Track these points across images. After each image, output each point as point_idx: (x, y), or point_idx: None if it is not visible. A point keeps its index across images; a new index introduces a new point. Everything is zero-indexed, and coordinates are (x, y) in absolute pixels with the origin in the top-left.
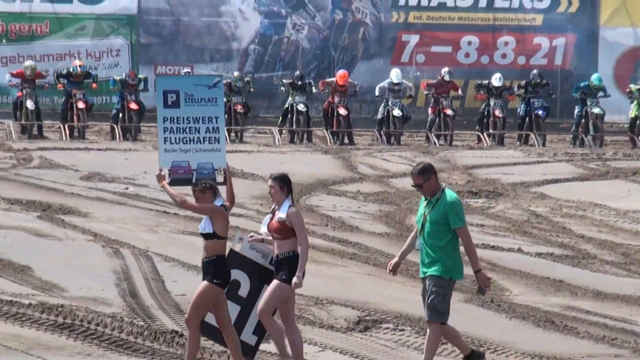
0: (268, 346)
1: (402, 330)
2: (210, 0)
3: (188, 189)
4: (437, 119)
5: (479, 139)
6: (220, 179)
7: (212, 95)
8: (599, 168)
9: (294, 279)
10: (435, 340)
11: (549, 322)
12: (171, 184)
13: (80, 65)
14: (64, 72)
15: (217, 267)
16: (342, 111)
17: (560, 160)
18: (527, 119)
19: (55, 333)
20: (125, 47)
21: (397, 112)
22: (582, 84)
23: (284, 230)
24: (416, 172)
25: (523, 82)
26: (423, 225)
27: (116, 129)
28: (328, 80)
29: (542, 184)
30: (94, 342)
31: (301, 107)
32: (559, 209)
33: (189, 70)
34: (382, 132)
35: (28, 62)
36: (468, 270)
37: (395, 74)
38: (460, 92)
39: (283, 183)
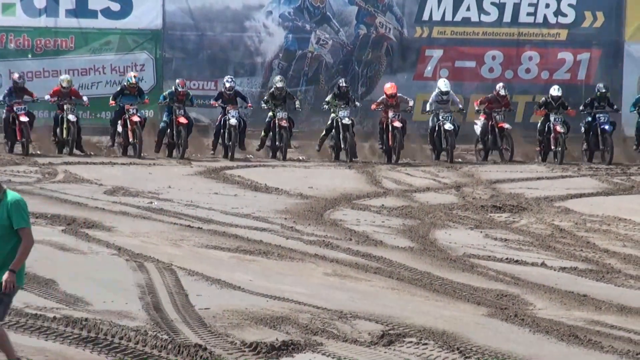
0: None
1: (426, 344)
2: (234, 15)
3: None
4: (491, 134)
5: (543, 157)
6: None
7: None
8: (624, 183)
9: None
10: None
11: (572, 337)
12: None
13: (135, 76)
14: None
15: None
16: (397, 124)
17: (585, 174)
18: (591, 134)
19: (80, 347)
20: (150, 62)
21: (448, 125)
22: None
23: None
24: None
25: (588, 99)
26: None
27: (162, 144)
28: (379, 100)
29: (566, 198)
30: (117, 356)
31: (346, 120)
32: (583, 224)
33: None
34: (434, 149)
35: (63, 76)
36: (490, 285)
37: (443, 83)
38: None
39: None
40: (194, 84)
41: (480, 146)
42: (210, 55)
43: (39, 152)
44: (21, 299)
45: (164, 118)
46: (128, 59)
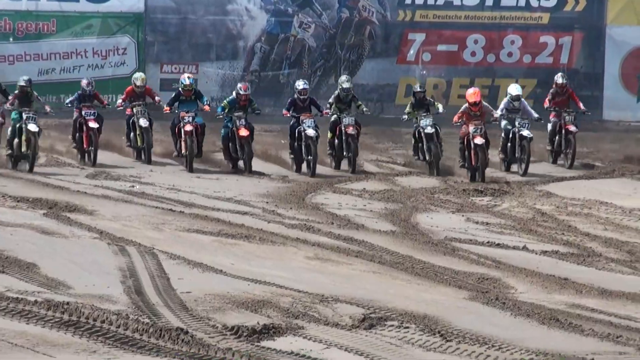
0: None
1: (407, 327)
2: None
3: None
4: (558, 136)
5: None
6: None
7: None
8: (605, 166)
9: None
10: None
11: (553, 320)
12: None
13: (189, 77)
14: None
15: None
16: (479, 140)
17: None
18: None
19: (61, 330)
20: (132, 46)
21: (526, 132)
22: None
23: None
24: None
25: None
26: None
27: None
28: (461, 110)
29: (548, 182)
30: (99, 339)
31: (429, 129)
32: (564, 207)
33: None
34: (504, 158)
35: (138, 74)
36: (471, 268)
37: (514, 88)
38: (581, 105)
39: None
40: (175, 68)
41: (549, 147)
42: (192, 39)
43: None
44: (2, 283)
45: (224, 127)
46: (110, 43)
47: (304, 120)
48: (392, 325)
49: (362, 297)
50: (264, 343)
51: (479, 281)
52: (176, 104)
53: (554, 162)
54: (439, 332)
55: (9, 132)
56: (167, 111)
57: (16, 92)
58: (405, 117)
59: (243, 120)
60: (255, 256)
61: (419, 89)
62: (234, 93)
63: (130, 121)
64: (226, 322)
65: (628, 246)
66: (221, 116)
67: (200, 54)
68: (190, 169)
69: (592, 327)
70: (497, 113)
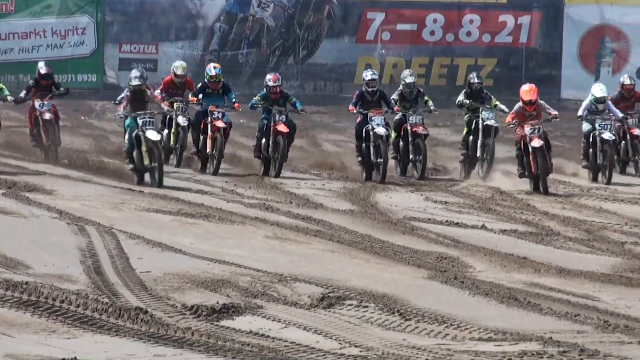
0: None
1: (366, 306)
2: None
3: None
4: (623, 142)
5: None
6: None
7: None
8: (563, 145)
9: None
10: None
11: (512, 299)
12: None
13: (215, 67)
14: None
15: None
16: (537, 142)
17: None
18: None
19: (20, 310)
20: (90, 26)
21: (607, 135)
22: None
23: None
24: None
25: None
26: None
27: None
28: (514, 110)
29: (506, 161)
30: (58, 319)
31: (492, 122)
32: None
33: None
34: (589, 166)
35: (178, 62)
36: (430, 247)
37: (599, 89)
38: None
39: None
40: (135, 48)
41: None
42: (151, 19)
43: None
44: None
45: (261, 119)
46: (69, 23)
47: (373, 117)
48: (351, 305)
49: (321, 277)
50: (223, 322)
51: (437, 260)
52: (200, 96)
53: (622, 172)
54: (398, 311)
55: (125, 140)
56: (194, 102)
57: (127, 93)
58: (466, 101)
59: (284, 116)
60: (215, 235)
61: (476, 80)
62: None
63: (167, 118)
64: (185, 301)
65: (586, 225)
66: (259, 106)
67: (159, 34)
68: (216, 171)
69: (550, 306)
70: (578, 114)
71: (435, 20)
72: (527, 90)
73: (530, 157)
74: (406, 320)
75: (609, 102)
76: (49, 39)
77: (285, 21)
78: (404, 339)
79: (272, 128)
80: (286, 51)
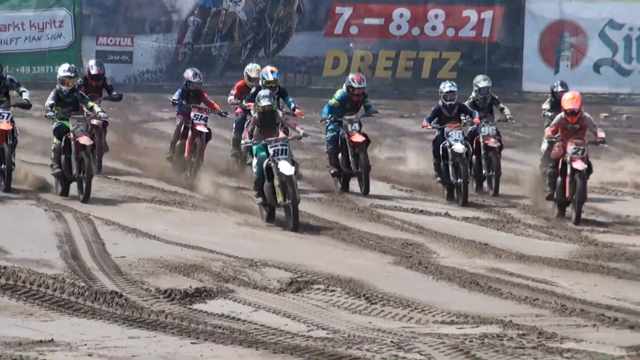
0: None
1: (333, 291)
2: None
3: None
4: None
5: None
6: None
7: None
8: (524, 135)
9: None
10: None
11: (474, 284)
12: None
13: (272, 71)
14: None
15: None
16: (579, 165)
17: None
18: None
19: None
20: (68, 19)
21: None
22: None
23: None
24: None
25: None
26: None
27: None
28: (554, 122)
29: None
30: (36, 302)
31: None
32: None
33: None
34: None
35: (251, 65)
36: (396, 234)
37: None
38: None
39: None
40: (111, 40)
41: None
42: (127, 12)
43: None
44: None
45: (329, 131)
46: (47, 16)
47: (450, 133)
48: (319, 289)
49: (290, 262)
50: (196, 306)
51: (402, 246)
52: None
53: None
54: (364, 295)
55: (254, 170)
56: (234, 104)
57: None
58: (548, 113)
59: (356, 124)
60: (188, 222)
61: (560, 89)
62: (343, 87)
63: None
64: (159, 285)
65: (545, 213)
66: (328, 120)
67: (135, 27)
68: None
69: (511, 291)
70: None
71: (401, 15)
72: (571, 99)
73: (568, 179)
74: (372, 304)
75: None
76: (27, 32)
77: (256, 15)
78: (369, 322)
79: (347, 140)
80: (257, 44)
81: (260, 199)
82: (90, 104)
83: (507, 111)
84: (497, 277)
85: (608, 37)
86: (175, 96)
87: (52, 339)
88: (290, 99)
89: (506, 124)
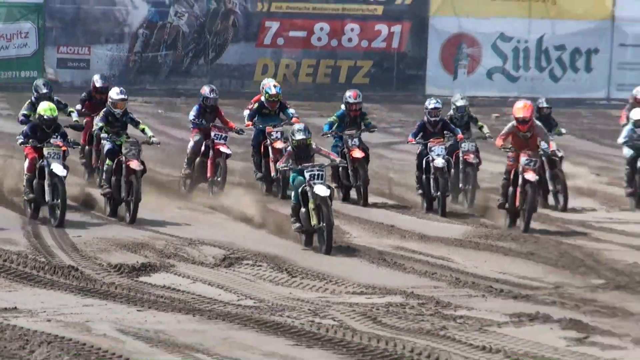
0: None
1: (260, 265)
2: None
3: None
4: None
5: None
6: None
7: None
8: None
9: None
10: None
11: (381, 260)
12: None
13: (275, 85)
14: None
15: None
16: (531, 176)
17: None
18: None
19: None
20: (33, 30)
21: None
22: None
23: None
24: None
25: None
26: None
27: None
28: (504, 131)
29: (376, 146)
30: (1, 275)
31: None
32: (391, 167)
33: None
34: (632, 193)
35: (267, 80)
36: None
37: (638, 113)
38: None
39: None
40: (70, 49)
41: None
42: (85, 25)
43: None
44: None
45: (332, 147)
46: (14, 28)
47: (433, 148)
48: (247, 264)
49: (224, 241)
50: (142, 278)
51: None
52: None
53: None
54: (286, 269)
55: (292, 197)
56: (249, 126)
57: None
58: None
59: (356, 139)
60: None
61: (544, 104)
62: (342, 106)
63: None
64: (110, 261)
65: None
66: (329, 135)
67: (92, 38)
68: (284, 195)
69: (413, 266)
70: (619, 141)
71: (322, 29)
72: (521, 108)
73: (519, 190)
74: (292, 277)
75: None
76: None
77: (197, 28)
78: (290, 293)
79: (347, 154)
80: (198, 53)
81: (297, 225)
82: (142, 126)
83: (485, 129)
84: (401, 254)
85: (499, 48)
86: (192, 115)
87: (16, 307)
88: (290, 111)
89: (485, 142)
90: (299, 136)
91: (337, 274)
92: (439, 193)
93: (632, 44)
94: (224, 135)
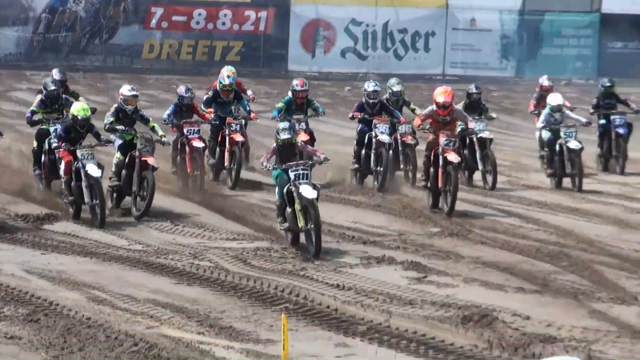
0: None
1: (148, 216)
2: None
3: None
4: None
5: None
6: None
7: None
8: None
9: None
10: None
11: (251, 211)
12: None
13: (229, 75)
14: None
15: None
16: (453, 157)
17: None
18: (605, 139)
19: None
20: None
21: (574, 144)
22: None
23: None
24: None
25: (595, 100)
26: None
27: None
28: (424, 112)
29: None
30: None
31: (486, 134)
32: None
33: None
34: (554, 174)
35: (226, 68)
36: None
37: (555, 98)
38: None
39: None
40: None
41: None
42: None
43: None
44: None
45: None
46: None
47: (377, 125)
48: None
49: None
50: (46, 226)
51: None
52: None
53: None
54: (169, 219)
55: (276, 195)
56: (211, 113)
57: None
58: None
59: (303, 124)
60: None
61: (474, 90)
62: (289, 92)
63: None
64: (18, 211)
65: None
66: (278, 120)
67: (0, 21)
68: (234, 186)
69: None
70: (538, 125)
71: (200, 14)
72: (442, 92)
73: (440, 170)
74: (175, 225)
75: (566, 111)
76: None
77: (93, 13)
78: (173, 239)
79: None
80: (94, 35)
81: (285, 225)
82: (152, 124)
83: (418, 111)
84: (268, 207)
85: (351, 31)
86: (166, 114)
87: None
88: (246, 102)
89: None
90: (284, 135)
91: (213, 223)
92: (379, 167)
93: (463, 28)
94: (196, 129)
